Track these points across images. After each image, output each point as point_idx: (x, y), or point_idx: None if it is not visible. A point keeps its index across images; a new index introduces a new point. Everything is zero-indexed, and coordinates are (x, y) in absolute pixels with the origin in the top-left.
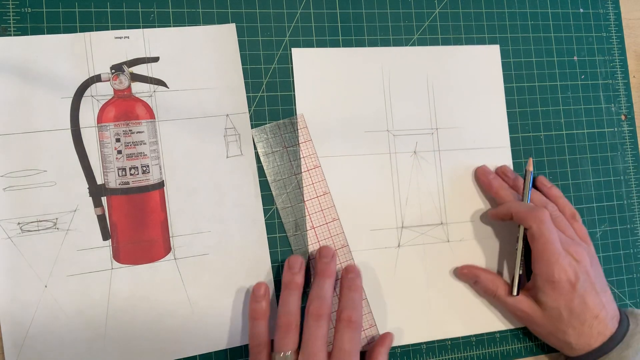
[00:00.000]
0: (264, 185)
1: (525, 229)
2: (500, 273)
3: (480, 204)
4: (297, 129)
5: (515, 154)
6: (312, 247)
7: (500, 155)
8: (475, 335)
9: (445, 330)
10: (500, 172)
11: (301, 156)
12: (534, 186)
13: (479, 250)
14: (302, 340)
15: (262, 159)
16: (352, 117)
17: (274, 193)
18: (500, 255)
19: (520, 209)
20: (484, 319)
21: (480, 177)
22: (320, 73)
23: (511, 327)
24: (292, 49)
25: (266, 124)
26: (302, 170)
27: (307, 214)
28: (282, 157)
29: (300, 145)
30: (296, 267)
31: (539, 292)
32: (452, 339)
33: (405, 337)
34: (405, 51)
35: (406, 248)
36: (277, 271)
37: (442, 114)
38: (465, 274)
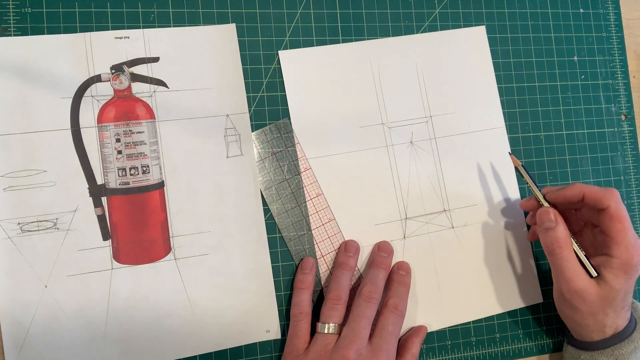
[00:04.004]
0: (262, 194)
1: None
2: (509, 253)
3: (480, 187)
4: (283, 134)
5: (515, 154)
6: (309, 250)
7: (496, 136)
8: (476, 336)
9: (457, 316)
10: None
11: (290, 160)
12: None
13: (484, 233)
14: (349, 316)
15: None
16: (346, 113)
17: (267, 200)
18: (505, 235)
19: (592, 188)
20: (495, 301)
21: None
22: (309, 73)
23: (522, 305)
24: (279, 51)
25: (266, 124)
26: (293, 174)
27: (302, 217)
28: (271, 163)
29: (288, 149)
30: (352, 250)
31: (609, 272)
32: (452, 340)
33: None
34: (392, 41)
35: (412, 239)
36: (277, 271)
37: (435, 101)
38: (546, 216)
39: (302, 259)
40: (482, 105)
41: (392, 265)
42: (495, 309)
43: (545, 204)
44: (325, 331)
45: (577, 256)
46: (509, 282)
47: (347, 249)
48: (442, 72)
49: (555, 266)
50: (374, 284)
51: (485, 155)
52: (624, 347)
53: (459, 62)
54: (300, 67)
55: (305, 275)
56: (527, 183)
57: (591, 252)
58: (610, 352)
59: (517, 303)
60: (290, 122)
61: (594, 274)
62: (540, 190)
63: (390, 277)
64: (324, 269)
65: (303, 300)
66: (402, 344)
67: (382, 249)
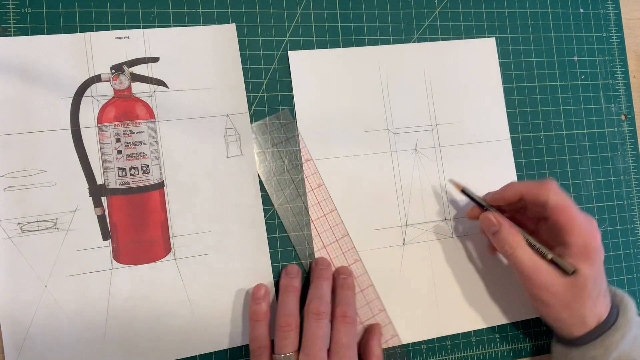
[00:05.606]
0: (264, 185)
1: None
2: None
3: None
4: (284, 124)
5: (515, 154)
6: (314, 241)
7: (501, 148)
8: (476, 336)
9: (453, 326)
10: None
11: (292, 151)
12: None
13: (483, 243)
14: (302, 340)
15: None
16: (352, 117)
17: (268, 192)
18: None
19: (528, 185)
20: (492, 313)
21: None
22: (318, 75)
23: (520, 318)
24: (289, 52)
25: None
26: (294, 165)
27: (304, 208)
28: (272, 154)
29: (289, 140)
30: (293, 272)
31: (570, 260)
32: (452, 340)
33: (416, 334)
34: (401, 48)
35: (411, 246)
36: (277, 272)
37: (441, 109)
38: (488, 221)
39: (254, 286)
40: (488, 116)
41: (337, 269)
42: (493, 321)
43: (492, 209)
44: None
45: (546, 256)
46: (507, 294)
47: (288, 272)
48: (450, 82)
49: (514, 266)
50: (319, 297)
51: (489, 166)
52: (612, 335)
53: (467, 73)
54: (309, 69)
55: (259, 305)
56: (471, 197)
57: (553, 245)
58: (600, 342)
59: (515, 316)
60: (295, 116)
61: (570, 270)
62: (481, 197)
63: (333, 285)
64: (326, 258)
65: (260, 335)
66: (364, 349)
67: (319, 263)
